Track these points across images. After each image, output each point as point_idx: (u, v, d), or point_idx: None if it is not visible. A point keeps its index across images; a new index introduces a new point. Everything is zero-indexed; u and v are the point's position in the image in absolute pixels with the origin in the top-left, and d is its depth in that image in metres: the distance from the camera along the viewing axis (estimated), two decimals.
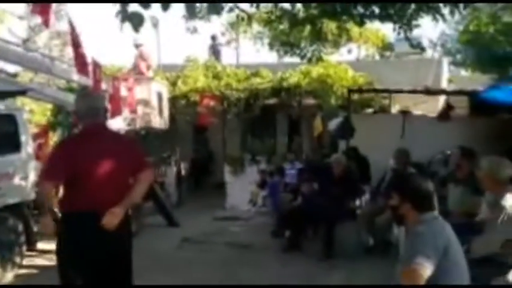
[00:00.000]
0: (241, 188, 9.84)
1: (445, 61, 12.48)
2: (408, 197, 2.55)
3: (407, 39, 6.07)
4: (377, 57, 13.69)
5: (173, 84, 11.18)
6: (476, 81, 10.55)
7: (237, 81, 11.08)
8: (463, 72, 15.46)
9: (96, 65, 7.12)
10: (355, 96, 10.05)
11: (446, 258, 2.33)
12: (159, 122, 9.71)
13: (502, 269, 3.16)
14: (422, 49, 7.22)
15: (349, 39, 10.97)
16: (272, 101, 10.91)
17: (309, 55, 7.57)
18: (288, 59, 11.50)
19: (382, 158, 7.31)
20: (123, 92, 8.42)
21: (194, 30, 6.93)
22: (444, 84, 11.25)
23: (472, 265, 2.70)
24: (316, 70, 10.66)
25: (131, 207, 3.23)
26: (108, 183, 3.00)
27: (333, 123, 9.60)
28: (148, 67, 10.10)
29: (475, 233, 3.68)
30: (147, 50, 10.30)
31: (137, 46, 10.07)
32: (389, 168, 6.68)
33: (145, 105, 9.22)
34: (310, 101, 10.73)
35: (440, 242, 2.35)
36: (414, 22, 5.78)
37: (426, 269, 2.26)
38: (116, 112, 8.01)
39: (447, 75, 12.34)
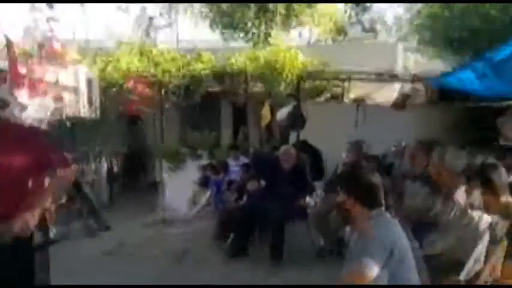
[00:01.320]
0: (181, 187, 9.77)
1: (400, 46, 12.89)
2: (353, 193, 2.65)
3: (359, 22, 6.23)
4: (329, 41, 13.93)
5: (103, 69, 10.92)
6: (433, 67, 10.94)
7: (176, 66, 10.95)
8: (419, 58, 15.97)
9: (9, 43, 6.85)
10: (307, 84, 10.21)
11: (393, 256, 2.45)
12: (88, 111, 9.48)
13: (455, 267, 3.32)
14: (375, 33, 7.44)
15: (300, 23, 11.10)
16: (215, 88, 10.88)
17: (255, 38, 7.62)
18: (233, 43, 11.49)
19: (336, 150, 7.49)
20: (39, 75, 8.16)
21: (126, 10, 6.79)
22: (399, 71, 11.62)
23: (424, 262, 2.85)
24: (264, 55, 10.71)
25: (50, 210, 3.14)
26: (12, 184, 2.87)
27: (283, 113, 9.73)
28: (59, 51, 9.78)
29: (428, 230, 3.86)
30: (55, 30, 9.99)
31: (49, 20, 9.75)
32: (342, 162, 6.87)
33: (72, 92, 8.97)
34: (257, 87, 10.78)
35: (387, 240, 2.47)
36: (366, 4, 5.94)
37: (373, 271, 2.37)
38: (34, 98, 7.76)
39: (402, 61, 12.75)
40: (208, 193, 9.16)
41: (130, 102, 10.57)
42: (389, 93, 10.25)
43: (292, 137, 8.80)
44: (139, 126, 12.86)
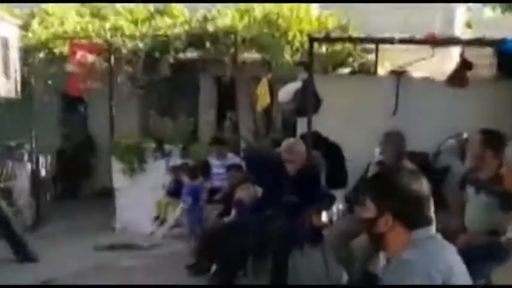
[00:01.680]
0: (141, 197, 9.78)
1: None
2: (389, 206, 2.60)
3: None
4: None
5: (25, 26, 10.87)
6: (508, 25, 10.93)
7: (133, 23, 10.91)
8: (488, 12, 15.97)
9: None
10: (322, 49, 10.16)
11: None
12: (3, 87, 9.44)
13: None
14: None
15: None
16: (190, 55, 10.84)
17: None
18: None
19: (365, 145, 7.46)
20: None
21: None
22: (459, 30, 11.59)
23: None
24: (261, 7, 10.66)
25: None
26: None
27: (288, 91, 9.67)
28: None
29: (499, 260, 3.84)
30: None
31: None
32: (375, 161, 6.84)
33: None
34: (251, 55, 10.75)
35: (437, 275, 2.42)
36: None
37: None
38: None
39: (464, 17, 12.71)
40: (180, 206, 9.13)
41: (67, 76, 10.52)
42: (443, 62, 10.21)
43: (301, 127, 8.75)
44: (81, 111, 12.82)
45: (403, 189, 2.62)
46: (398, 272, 2.50)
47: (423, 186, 2.66)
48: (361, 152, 7.57)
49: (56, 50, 10.64)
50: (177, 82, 11.43)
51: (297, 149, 6.92)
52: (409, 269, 2.45)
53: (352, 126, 8.41)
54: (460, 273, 2.56)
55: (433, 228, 2.64)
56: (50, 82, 10.72)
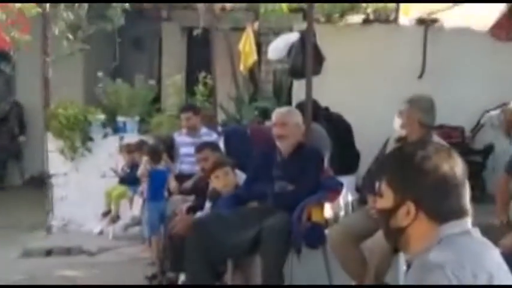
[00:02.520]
0: (85, 187, 9.83)
1: None
2: (412, 193, 2.57)
3: None
4: None
5: None
6: None
7: None
8: None
9: None
10: None
11: None
12: None
13: None
14: None
15: None
16: None
17: None
18: None
19: (380, 117, 7.47)
20: None
21: None
22: None
23: None
24: None
25: None
26: None
27: (280, 46, 9.68)
28: None
29: None
30: None
31: None
32: (394, 136, 6.84)
33: None
34: None
35: (472, 282, 2.42)
36: None
37: None
38: None
39: None
40: (137, 198, 9.13)
41: None
42: (485, 7, 10.23)
43: (298, 92, 8.76)
44: (5, 71, 12.79)
45: (429, 171, 2.59)
46: (421, 277, 2.49)
47: (457, 167, 2.63)
48: (377, 125, 7.59)
49: None
50: (133, 34, 11.41)
51: (292, 122, 6.87)
52: (436, 274, 2.44)
53: (365, 91, 8.42)
54: (503, 282, 2.55)
55: (468, 222, 2.62)
56: None
